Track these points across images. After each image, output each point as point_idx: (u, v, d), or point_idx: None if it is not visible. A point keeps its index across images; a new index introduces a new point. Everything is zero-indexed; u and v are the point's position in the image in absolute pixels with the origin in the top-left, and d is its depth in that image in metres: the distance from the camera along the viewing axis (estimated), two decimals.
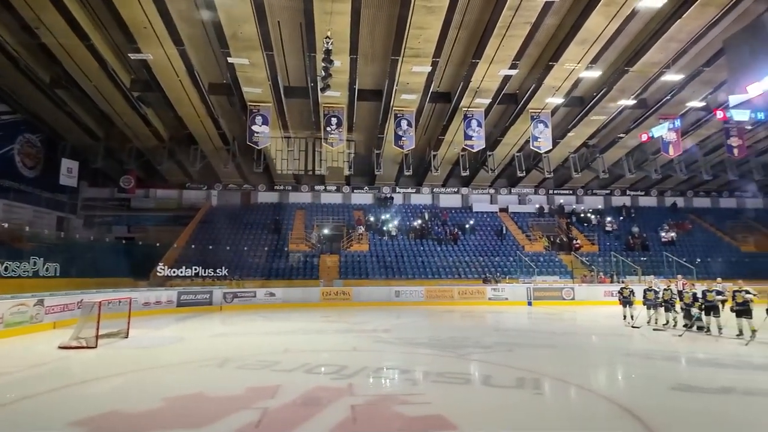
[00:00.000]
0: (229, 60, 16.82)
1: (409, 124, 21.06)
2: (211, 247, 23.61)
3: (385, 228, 26.83)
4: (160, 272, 20.17)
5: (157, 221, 27.68)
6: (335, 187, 30.18)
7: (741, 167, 27.36)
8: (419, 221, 27.97)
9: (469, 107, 20.91)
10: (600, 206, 31.27)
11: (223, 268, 21.38)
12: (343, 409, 5.48)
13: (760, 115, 20.39)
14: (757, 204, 32.56)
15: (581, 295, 21.13)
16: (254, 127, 20.14)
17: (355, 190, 30.49)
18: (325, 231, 26.61)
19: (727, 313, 11.30)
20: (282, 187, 29.81)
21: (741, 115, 19.36)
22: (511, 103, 21.25)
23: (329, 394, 6.18)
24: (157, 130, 22.93)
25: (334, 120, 20.39)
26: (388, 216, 28.13)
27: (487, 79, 18.70)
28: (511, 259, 24.89)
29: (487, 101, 20.48)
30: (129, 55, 16.71)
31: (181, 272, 20.62)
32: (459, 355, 9.35)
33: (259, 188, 29.59)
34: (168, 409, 5.61)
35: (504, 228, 28.04)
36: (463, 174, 26.51)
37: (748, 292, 10.75)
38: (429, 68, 17.56)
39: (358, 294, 20.73)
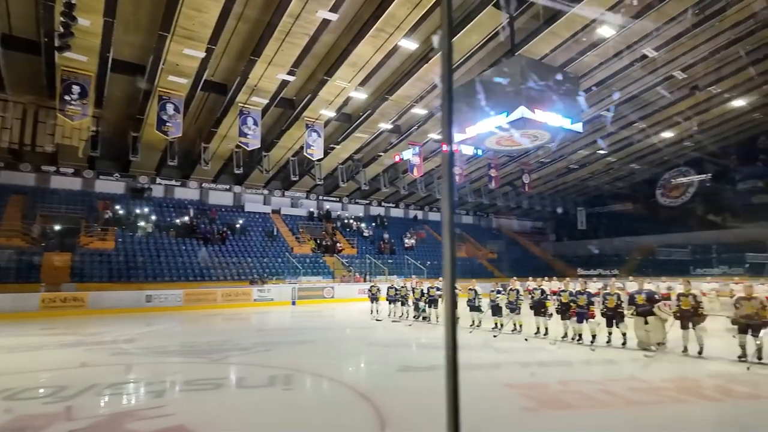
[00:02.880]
0: None
1: (177, 110, 19.13)
2: None
3: (139, 223, 23.50)
4: None
5: None
6: (73, 170, 24.69)
7: (461, 190, 34.88)
8: (184, 218, 25.59)
9: (245, 104, 20.40)
10: (360, 214, 34.94)
11: None
12: None
13: (479, 152, 26.59)
14: (468, 220, 42.07)
15: (340, 293, 23.11)
16: None
17: (101, 177, 25.61)
18: (55, 224, 21.52)
19: (442, 305, 14.19)
20: None
21: (467, 150, 24.85)
22: (288, 107, 21.71)
23: (38, 422, 5.03)
24: None
25: (76, 88, 16.77)
26: (144, 209, 24.76)
27: (265, 80, 18.65)
28: (280, 260, 25.29)
29: (265, 101, 20.41)
30: None
31: None
32: (213, 360, 8.95)
33: None
34: None
35: (275, 229, 28.30)
36: (237, 172, 25.60)
37: (456, 288, 13.76)
38: (203, 54, 16.40)
39: (97, 300, 17.52)
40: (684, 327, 8.79)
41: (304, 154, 23.45)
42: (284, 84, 19.14)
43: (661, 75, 20.82)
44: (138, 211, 24.45)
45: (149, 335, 12.41)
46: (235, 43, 16.86)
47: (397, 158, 25.02)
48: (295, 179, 27.88)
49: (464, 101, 15.49)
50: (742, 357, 7.96)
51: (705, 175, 32.70)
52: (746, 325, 7.97)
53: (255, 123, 20.91)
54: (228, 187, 29.69)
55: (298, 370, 7.97)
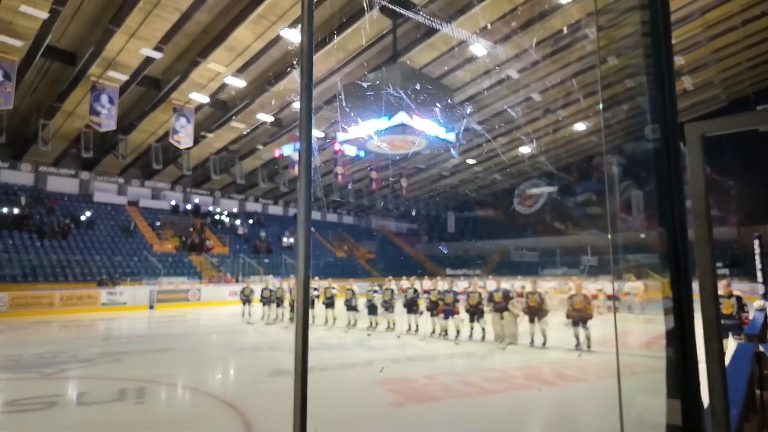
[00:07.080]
0: None
1: (8, 77, 15.87)
2: None
3: None
4: None
5: None
6: None
7: (343, 191, 35.09)
8: (12, 206, 21.32)
9: (100, 78, 17.73)
10: (235, 210, 32.96)
11: None
12: None
13: (362, 153, 26.88)
14: (349, 220, 42.59)
15: (207, 295, 21.45)
16: None
17: None
18: None
19: (319, 306, 14.02)
20: None
21: (350, 150, 24.91)
22: (153, 87, 19.39)
23: None
24: None
25: None
26: None
27: (126, 53, 16.45)
28: (136, 258, 22.57)
29: (125, 78, 17.97)
30: None
31: None
32: (45, 375, 7.56)
33: None
34: None
35: (132, 224, 25.20)
36: (85, 155, 22.13)
37: (333, 288, 13.73)
38: (46, 15, 13.79)
39: None
40: (531, 321, 9.93)
41: (170, 140, 21.22)
42: (149, 61, 17.07)
43: (522, 96, 23.44)
44: None
45: None
46: (90, 7, 14.53)
47: (277, 153, 24.09)
48: (158, 168, 25.12)
49: (347, 102, 15.57)
50: (577, 345, 9.26)
51: (553, 188, 37.74)
52: (578, 318, 9.29)
53: (111, 101, 18.32)
54: (73, 172, 25.60)
55: (153, 381, 7.11)
